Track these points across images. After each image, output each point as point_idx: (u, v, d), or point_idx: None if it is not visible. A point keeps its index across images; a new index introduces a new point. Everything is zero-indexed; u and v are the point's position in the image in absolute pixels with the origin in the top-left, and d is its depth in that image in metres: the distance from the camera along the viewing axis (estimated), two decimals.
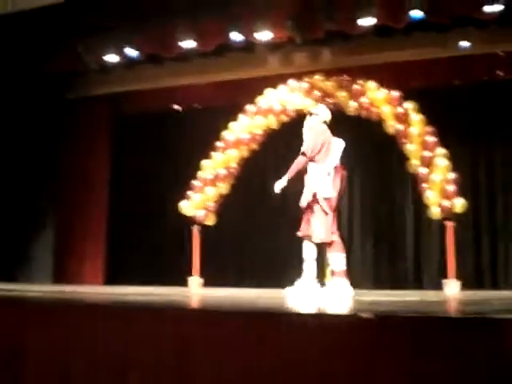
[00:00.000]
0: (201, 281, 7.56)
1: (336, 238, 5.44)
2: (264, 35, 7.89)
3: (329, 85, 7.84)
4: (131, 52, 8.48)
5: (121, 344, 2.73)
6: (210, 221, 7.82)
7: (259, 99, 8.01)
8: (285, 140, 8.92)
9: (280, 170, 9.21)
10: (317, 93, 7.88)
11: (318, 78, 7.95)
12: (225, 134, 7.95)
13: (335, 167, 5.58)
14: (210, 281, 7.86)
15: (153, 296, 4.58)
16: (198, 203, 7.72)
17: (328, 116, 5.86)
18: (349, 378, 2.20)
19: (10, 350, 3.09)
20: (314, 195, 5.43)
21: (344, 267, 5.34)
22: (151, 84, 9.68)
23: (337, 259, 5.35)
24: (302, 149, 5.59)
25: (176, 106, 9.98)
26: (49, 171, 9.84)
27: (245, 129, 7.87)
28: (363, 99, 7.65)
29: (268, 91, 8.06)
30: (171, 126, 9.78)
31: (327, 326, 2.33)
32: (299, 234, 5.55)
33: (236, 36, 7.95)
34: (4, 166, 9.83)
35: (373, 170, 8.72)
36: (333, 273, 5.38)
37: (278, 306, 3.42)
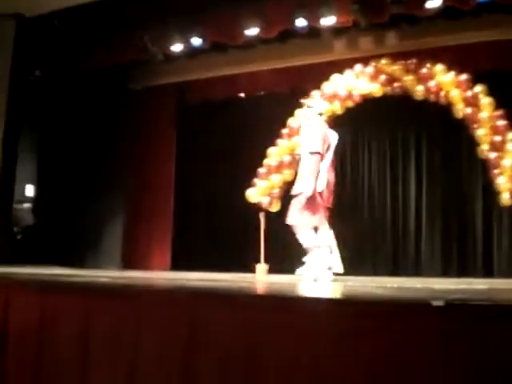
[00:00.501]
0: (266, 267, 7.56)
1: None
2: (329, 20, 7.80)
3: (395, 69, 7.68)
4: (196, 41, 8.55)
5: (188, 330, 2.76)
6: (275, 207, 7.81)
7: (324, 85, 7.93)
8: (350, 125, 8.86)
9: (345, 155, 9.24)
10: (383, 77, 7.75)
11: (384, 62, 7.80)
12: (290, 120, 7.91)
13: (332, 159, 5.80)
14: (275, 267, 7.87)
15: (221, 282, 4.61)
16: (264, 190, 7.71)
17: (324, 107, 6.03)
18: (424, 370, 2.17)
19: (79, 334, 3.17)
20: (314, 189, 5.61)
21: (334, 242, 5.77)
22: (215, 72, 9.74)
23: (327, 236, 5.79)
24: (314, 148, 5.63)
25: (241, 94, 10.01)
26: (116, 160, 10.03)
27: None
28: (431, 83, 7.47)
29: (333, 76, 7.98)
30: (236, 113, 9.81)
31: (401, 315, 2.30)
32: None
33: (301, 22, 7.90)
34: (73, 156, 10.10)
35: (441, 156, 8.55)
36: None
37: (354, 293, 3.39)
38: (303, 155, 5.92)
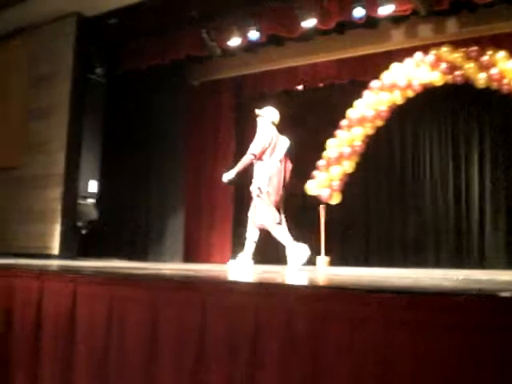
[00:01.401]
0: (327, 259, 7.55)
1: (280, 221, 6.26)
2: (387, 9, 7.70)
3: (456, 57, 7.53)
4: (253, 35, 8.57)
5: (253, 321, 2.77)
6: (335, 200, 7.77)
7: (384, 75, 7.84)
8: (410, 115, 8.73)
9: (406, 146, 9.12)
10: (444, 65, 7.60)
11: (444, 50, 7.64)
12: (349, 111, 7.85)
13: (280, 162, 6.28)
14: (336, 260, 7.84)
15: (282, 274, 4.62)
16: (323, 182, 7.69)
17: (275, 117, 6.45)
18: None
19: (146, 326, 3.22)
20: (259, 189, 6.18)
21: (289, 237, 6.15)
22: (273, 65, 9.75)
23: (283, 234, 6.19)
24: (250, 149, 6.24)
25: (299, 87, 9.99)
26: (177, 155, 10.15)
27: (370, 105, 7.73)
28: (493, 70, 7.29)
29: (393, 66, 7.87)
30: (294, 106, 9.79)
31: (469, 308, 2.25)
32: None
33: (358, 12, 7.82)
34: (135, 151, 10.27)
35: (505, 146, 8.34)
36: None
37: (423, 285, 3.34)
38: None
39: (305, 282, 3.50)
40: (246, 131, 10.36)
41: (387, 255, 8.84)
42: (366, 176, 8.86)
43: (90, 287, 3.65)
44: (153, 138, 10.20)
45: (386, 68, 7.90)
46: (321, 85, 9.75)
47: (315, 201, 7.81)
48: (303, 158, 8.66)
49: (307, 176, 7.79)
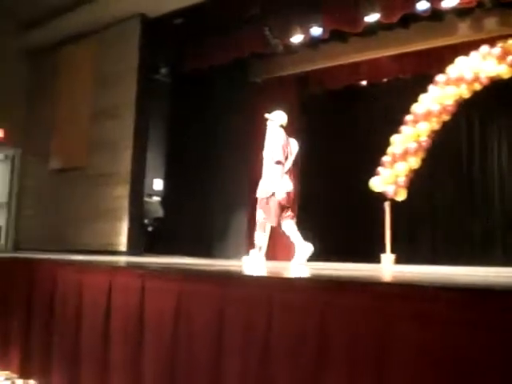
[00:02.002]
0: (393, 257, 7.44)
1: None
2: (451, 1, 7.55)
3: None
4: (316, 31, 8.53)
5: (319, 318, 2.76)
6: (401, 196, 7.65)
7: (449, 68, 7.67)
8: (478, 109, 8.53)
9: (473, 141, 8.93)
10: (511, 58, 7.39)
11: (511, 42, 7.44)
12: (414, 106, 7.71)
13: (292, 165, 6.54)
14: (402, 257, 7.73)
15: (350, 271, 4.58)
16: (388, 179, 7.58)
17: (284, 120, 6.70)
18: None
19: (213, 322, 3.25)
20: (273, 193, 6.43)
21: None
22: (336, 61, 9.67)
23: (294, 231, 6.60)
24: (276, 158, 6.40)
25: (363, 82, 9.90)
26: (239, 153, 10.21)
27: (435, 100, 7.58)
28: None
29: (458, 59, 7.70)
30: (358, 102, 9.72)
31: None
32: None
33: (422, 5, 7.69)
34: (199, 149, 10.38)
35: None
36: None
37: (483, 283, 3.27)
38: (267, 162, 6.66)
39: (376, 279, 3.47)
40: (308, 127, 10.35)
41: (454, 253, 8.67)
42: (432, 172, 8.71)
43: (158, 283, 3.72)
44: (216, 135, 10.29)
45: (451, 62, 7.72)
46: (384, 80, 9.65)
47: (380, 197, 7.71)
48: (367, 155, 8.60)
49: (372, 172, 7.69)
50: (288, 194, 6.46)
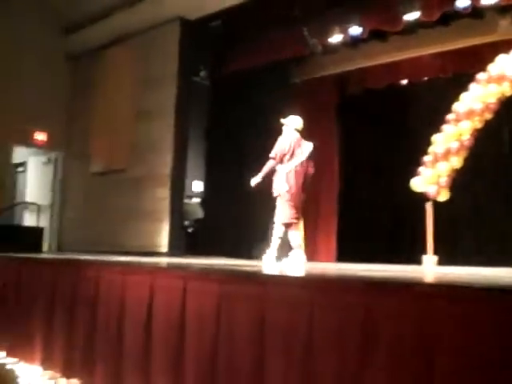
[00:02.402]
0: (435, 259, 7.34)
1: (295, 220, 6.72)
2: None
3: None
4: (355, 30, 8.48)
5: (362, 318, 2.75)
6: (443, 196, 7.53)
7: (491, 66, 7.54)
8: None
9: None
10: None
11: None
12: (456, 105, 7.59)
13: (300, 165, 6.75)
14: (444, 259, 7.62)
15: (390, 272, 4.54)
16: (430, 179, 7.46)
17: (298, 124, 6.98)
18: None
19: (254, 322, 3.25)
20: (278, 190, 6.68)
21: (299, 242, 6.69)
22: (376, 61, 9.60)
23: (294, 236, 6.67)
24: (271, 154, 6.73)
25: (403, 81, 9.80)
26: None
27: (477, 98, 7.45)
28: None
29: (499, 57, 7.56)
30: (398, 101, 9.62)
31: None
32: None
33: (462, 2, 7.59)
34: (238, 151, 10.40)
35: None
36: (291, 247, 6.67)
37: None
38: None
39: (419, 280, 3.44)
40: (349, 127, 10.30)
41: (497, 254, 8.51)
42: (474, 171, 8.57)
43: (200, 283, 3.74)
44: (255, 137, 10.28)
45: (492, 60, 7.58)
46: (425, 79, 9.54)
47: (422, 198, 7.61)
48: (408, 154, 8.51)
49: (413, 173, 7.59)
50: (288, 192, 6.67)
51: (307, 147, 6.94)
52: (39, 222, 11.24)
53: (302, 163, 6.80)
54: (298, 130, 6.98)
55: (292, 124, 7.00)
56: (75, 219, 11.30)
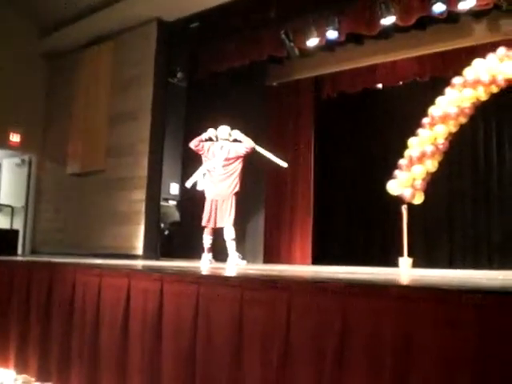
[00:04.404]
0: (410, 261, 7.40)
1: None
2: (468, 3, 7.50)
3: None
4: (331, 34, 8.51)
5: (340, 320, 2.76)
6: (418, 199, 7.60)
7: (466, 71, 7.62)
8: (495, 111, 8.47)
9: (490, 142, 8.86)
10: None
11: None
12: (431, 109, 7.67)
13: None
14: (419, 261, 7.68)
15: (367, 275, 4.57)
16: (405, 182, 7.53)
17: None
18: None
19: (232, 323, 3.25)
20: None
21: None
22: (352, 64, 9.65)
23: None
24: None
25: (379, 85, 9.87)
26: (253, 157, 10.17)
27: (452, 102, 7.53)
28: None
29: (475, 62, 7.65)
30: (374, 105, 9.69)
31: None
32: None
33: (438, 7, 7.66)
34: None
35: None
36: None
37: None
38: None
39: (395, 282, 3.46)
40: (325, 131, 10.34)
41: (472, 257, 8.62)
42: (449, 175, 8.67)
43: (176, 286, 3.73)
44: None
45: (468, 64, 7.66)
46: (401, 83, 9.61)
47: (397, 201, 7.67)
48: (384, 158, 8.57)
49: (388, 176, 7.65)
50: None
51: (217, 150, 7.48)
52: (13, 224, 11.11)
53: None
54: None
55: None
56: (50, 221, 11.19)
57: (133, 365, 3.91)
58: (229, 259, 7.10)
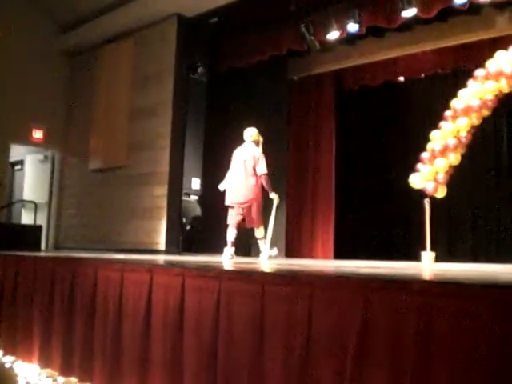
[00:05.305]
0: (433, 255, 7.34)
1: None
2: None
3: None
4: (352, 27, 8.47)
5: (361, 315, 2.74)
6: (441, 193, 7.53)
7: (489, 63, 7.53)
8: None
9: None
10: None
11: None
12: (453, 101, 7.58)
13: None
14: (441, 255, 7.63)
15: (389, 269, 4.54)
16: (428, 175, 7.45)
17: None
18: None
19: (253, 318, 3.25)
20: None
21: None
22: (373, 57, 9.60)
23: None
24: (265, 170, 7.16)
25: (400, 78, 9.79)
26: (279, 150, 10.16)
27: (475, 95, 7.45)
28: None
29: (498, 53, 7.55)
30: (396, 98, 9.63)
31: None
32: None
33: None
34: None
35: None
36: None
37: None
38: None
39: (417, 277, 3.44)
40: (346, 124, 10.29)
41: (495, 250, 8.53)
42: (472, 168, 8.58)
43: (198, 281, 3.73)
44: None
45: (490, 56, 7.56)
46: (422, 75, 9.54)
47: (420, 195, 7.61)
48: (406, 151, 8.51)
49: (411, 169, 7.59)
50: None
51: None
52: (37, 220, 11.22)
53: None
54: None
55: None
56: (73, 216, 11.29)
57: (154, 359, 3.93)
58: (261, 256, 7.27)
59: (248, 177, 7.15)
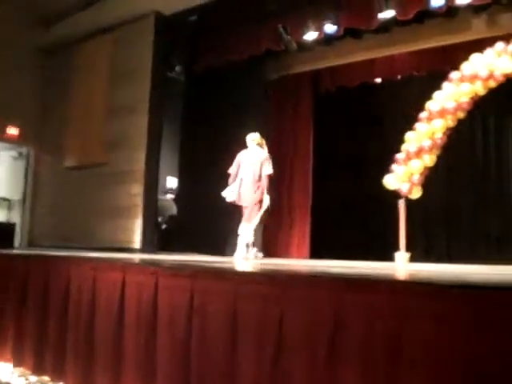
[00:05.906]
0: (407, 255, 7.39)
1: None
2: None
3: None
4: (329, 28, 8.50)
5: (332, 315, 2.76)
6: (416, 194, 7.59)
7: (464, 65, 7.60)
8: (493, 106, 8.46)
9: (489, 136, 8.85)
10: None
11: None
12: (429, 103, 7.64)
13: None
14: (417, 256, 7.68)
15: (362, 269, 4.57)
16: (402, 176, 7.51)
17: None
18: None
19: (227, 317, 3.25)
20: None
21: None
22: (350, 58, 9.65)
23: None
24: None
25: (377, 79, 9.85)
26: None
27: (450, 97, 7.52)
28: None
29: (473, 56, 7.62)
30: (372, 99, 9.68)
31: None
32: None
33: (437, 1, 7.64)
34: (213, 147, 10.36)
35: None
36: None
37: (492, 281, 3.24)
38: None
39: (389, 277, 3.46)
40: (323, 124, 10.33)
41: (469, 251, 8.61)
42: (447, 169, 8.66)
43: (171, 279, 3.73)
44: (230, 133, 10.26)
45: (466, 59, 7.63)
46: (399, 77, 9.60)
47: (394, 195, 7.66)
48: (381, 152, 8.55)
49: (386, 170, 7.64)
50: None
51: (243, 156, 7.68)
52: (10, 217, 11.10)
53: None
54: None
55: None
56: (47, 214, 11.18)
57: (128, 358, 3.92)
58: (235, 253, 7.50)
59: (256, 180, 7.47)
